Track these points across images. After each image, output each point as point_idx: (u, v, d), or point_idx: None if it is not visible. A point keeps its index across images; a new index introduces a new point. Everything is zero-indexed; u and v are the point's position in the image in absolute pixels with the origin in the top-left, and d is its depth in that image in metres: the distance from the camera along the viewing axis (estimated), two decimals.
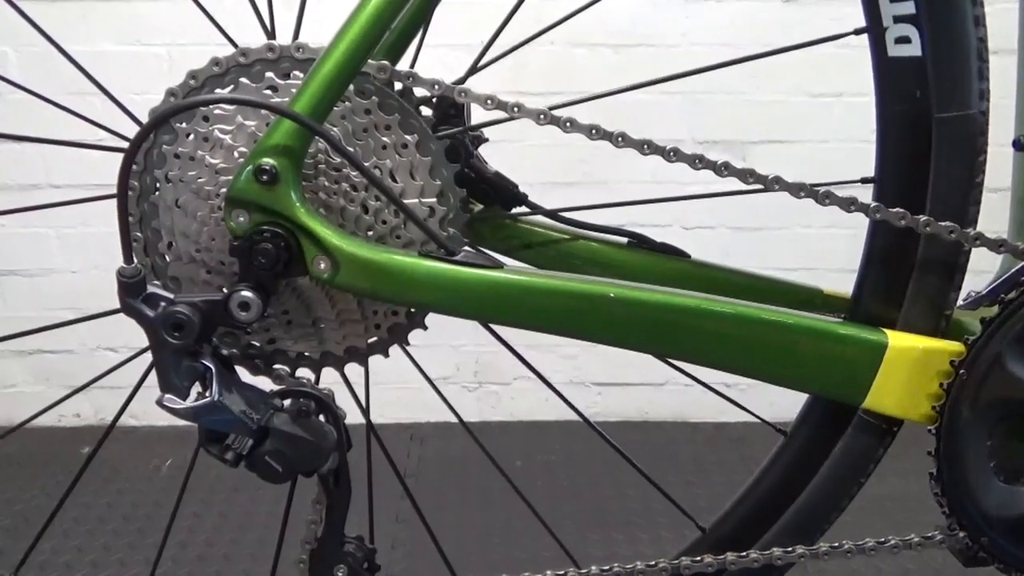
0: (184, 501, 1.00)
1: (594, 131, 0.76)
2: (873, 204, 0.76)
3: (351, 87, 0.76)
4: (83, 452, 1.99)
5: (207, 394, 0.74)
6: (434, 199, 0.80)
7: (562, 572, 0.87)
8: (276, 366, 0.85)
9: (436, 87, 0.76)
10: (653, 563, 0.85)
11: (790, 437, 0.90)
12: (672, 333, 0.77)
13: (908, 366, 0.77)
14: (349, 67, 0.73)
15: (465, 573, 1.02)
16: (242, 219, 0.74)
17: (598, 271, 0.91)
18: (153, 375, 0.75)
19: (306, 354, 0.86)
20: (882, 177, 0.79)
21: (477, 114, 0.83)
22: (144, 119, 0.74)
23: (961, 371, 0.76)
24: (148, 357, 0.75)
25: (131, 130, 0.74)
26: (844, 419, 0.84)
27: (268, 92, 0.78)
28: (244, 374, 0.81)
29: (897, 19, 0.73)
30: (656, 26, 1.93)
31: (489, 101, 0.76)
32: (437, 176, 0.79)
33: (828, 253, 1.95)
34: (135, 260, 0.74)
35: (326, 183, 0.78)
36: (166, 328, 0.72)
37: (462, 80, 0.81)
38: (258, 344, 0.85)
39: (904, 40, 0.73)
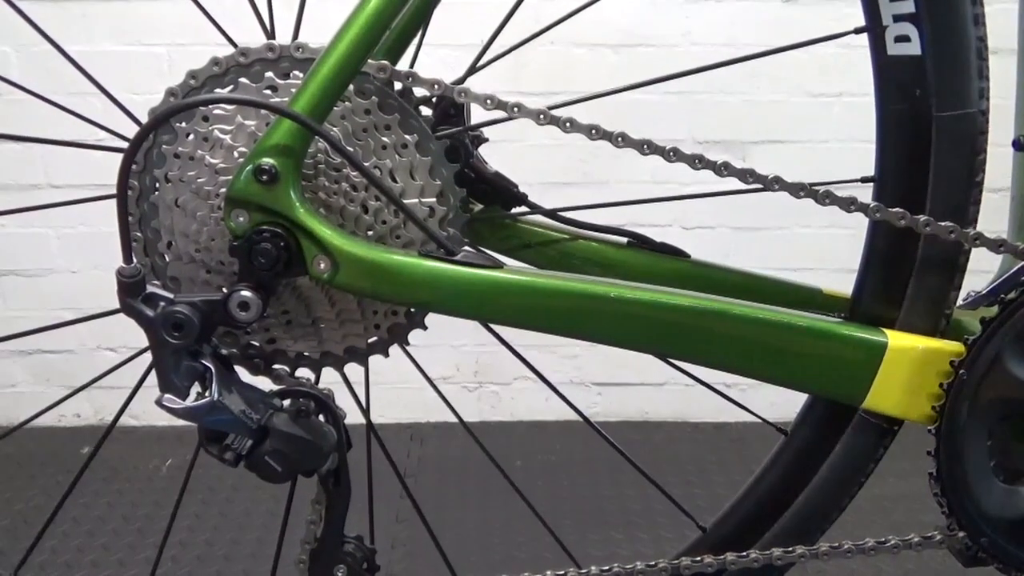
0: (184, 501, 1.00)
1: (594, 131, 0.76)
2: (873, 204, 0.76)
3: (351, 87, 0.76)
4: (83, 452, 1.99)
5: (207, 394, 0.74)
6: (434, 199, 0.80)
7: (562, 572, 0.87)
8: (276, 366, 0.85)
9: (436, 87, 0.76)
10: (653, 563, 0.85)
11: (790, 437, 0.90)
12: (672, 333, 0.77)
13: (908, 366, 0.77)
14: (349, 67, 0.73)
15: (465, 573, 1.02)
16: (242, 219, 0.74)
17: (598, 271, 0.91)
18: (153, 375, 0.75)
19: (306, 354, 0.86)
20: (882, 176, 0.79)
21: (477, 114, 0.83)
22: (144, 119, 0.74)
23: (961, 371, 0.76)
24: (148, 357, 0.75)
25: (131, 130, 0.74)
26: (844, 419, 0.84)
27: (268, 92, 0.78)
28: (244, 374, 0.81)
29: (897, 18, 0.73)
30: (656, 26, 1.93)
31: (489, 101, 0.76)
32: (437, 176, 0.79)
33: (828, 253, 1.95)
34: (135, 260, 0.74)
35: (326, 183, 0.78)
36: (166, 328, 0.72)
37: (462, 80, 0.81)
38: (258, 344, 0.85)
39: (904, 39, 0.73)
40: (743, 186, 0.77)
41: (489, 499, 1.79)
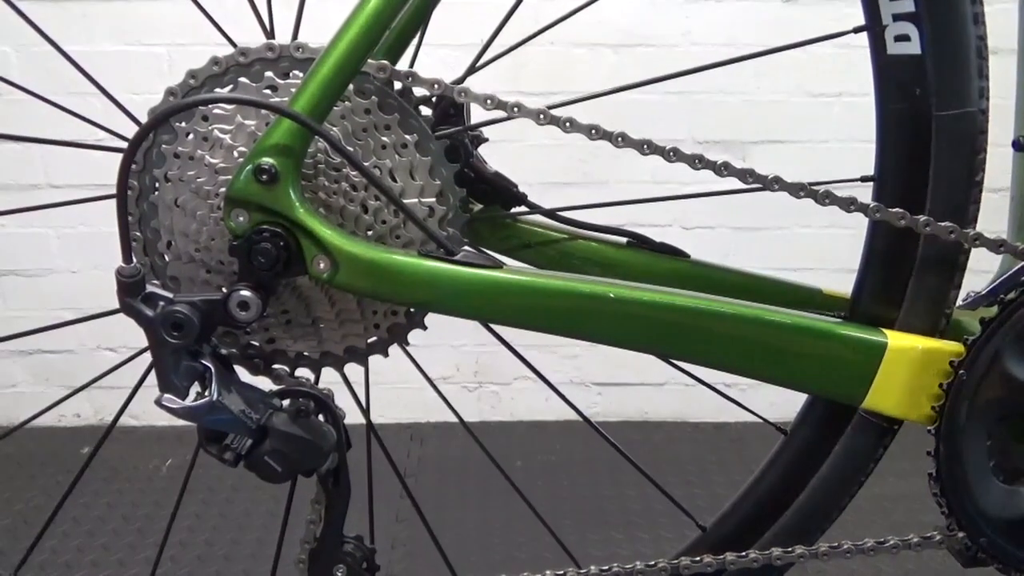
0: (184, 501, 1.00)
1: (594, 131, 0.76)
2: (873, 204, 0.76)
3: (351, 87, 0.76)
4: (83, 452, 1.99)
5: (206, 394, 0.74)
6: (434, 199, 0.80)
7: (562, 572, 0.87)
8: (275, 366, 0.85)
9: (436, 87, 0.76)
10: (653, 563, 0.85)
11: (790, 437, 0.90)
12: (672, 333, 0.77)
13: (907, 366, 0.77)
14: (349, 67, 0.73)
15: (465, 573, 1.02)
16: (241, 219, 0.74)
17: (598, 271, 0.91)
18: (153, 375, 0.75)
19: (305, 354, 0.86)
20: (882, 176, 0.79)
21: (477, 114, 0.83)
22: (143, 119, 0.74)
23: (961, 371, 0.76)
24: (148, 357, 0.75)
25: (130, 130, 0.74)
26: (844, 419, 0.84)
27: (267, 92, 0.77)
28: (243, 374, 0.81)
29: (896, 17, 0.73)
30: (656, 26, 1.93)
31: (489, 101, 0.76)
32: (437, 176, 0.79)
33: (828, 253, 1.95)
34: (134, 260, 0.74)
35: (326, 183, 0.78)
36: (165, 328, 0.72)
37: (461, 80, 0.81)
38: (257, 344, 0.85)
39: (904, 38, 0.73)
40: (743, 186, 0.77)
41: (489, 499, 1.79)
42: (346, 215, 0.79)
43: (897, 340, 0.77)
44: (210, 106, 0.77)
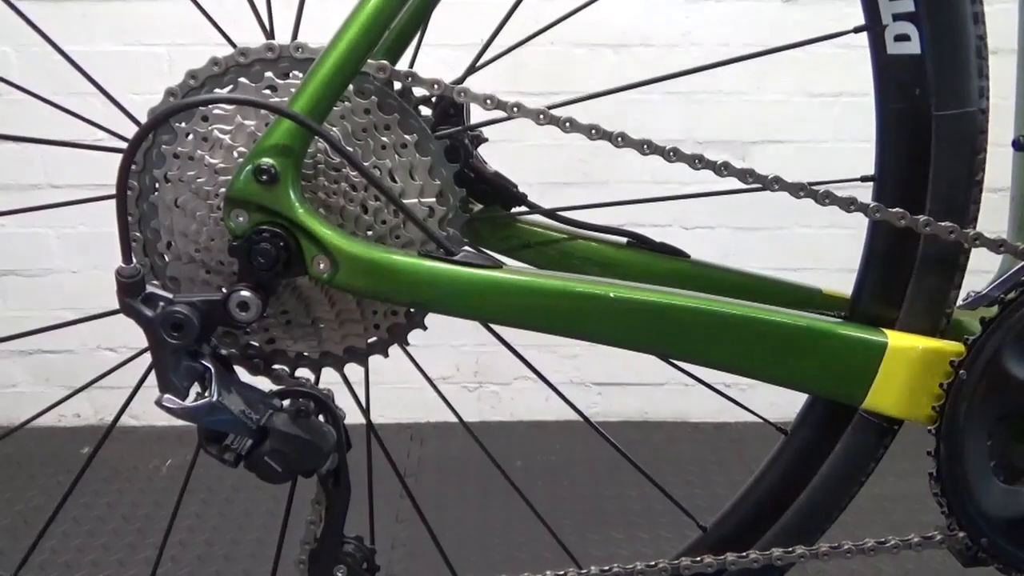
0: (184, 501, 1.00)
1: (594, 131, 0.76)
2: (873, 204, 0.76)
3: (350, 87, 0.76)
4: (83, 452, 1.99)
5: (206, 394, 0.74)
6: (433, 199, 0.80)
7: (562, 572, 0.87)
8: (275, 366, 0.85)
9: (436, 87, 0.76)
10: (653, 563, 0.85)
11: (790, 437, 0.90)
12: (672, 333, 0.77)
13: (908, 366, 0.77)
14: (348, 67, 0.73)
15: (465, 573, 1.02)
16: (241, 219, 0.74)
17: (598, 271, 0.91)
18: (153, 375, 0.75)
19: (305, 354, 0.86)
20: (882, 176, 0.79)
21: (477, 114, 0.83)
22: (143, 119, 0.74)
23: (961, 371, 0.76)
24: (148, 357, 0.75)
25: (130, 130, 0.74)
26: (844, 419, 0.84)
27: (267, 92, 0.77)
28: (243, 374, 0.81)
29: (896, 17, 0.73)
30: (656, 26, 1.93)
31: (488, 101, 0.76)
32: (436, 176, 0.79)
33: (828, 253, 1.95)
34: (134, 260, 0.74)
35: (325, 183, 0.78)
36: (165, 328, 0.72)
37: (461, 80, 0.81)
38: (257, 344, 0.85)
39: (903, 38, 0.73)
40: (743, 186, 0.77)
41: (489, 499, 1.79)
42: (346, 215, 0.79)
43: (897, 340, 0.77)
44: (210, 106, 0.77)
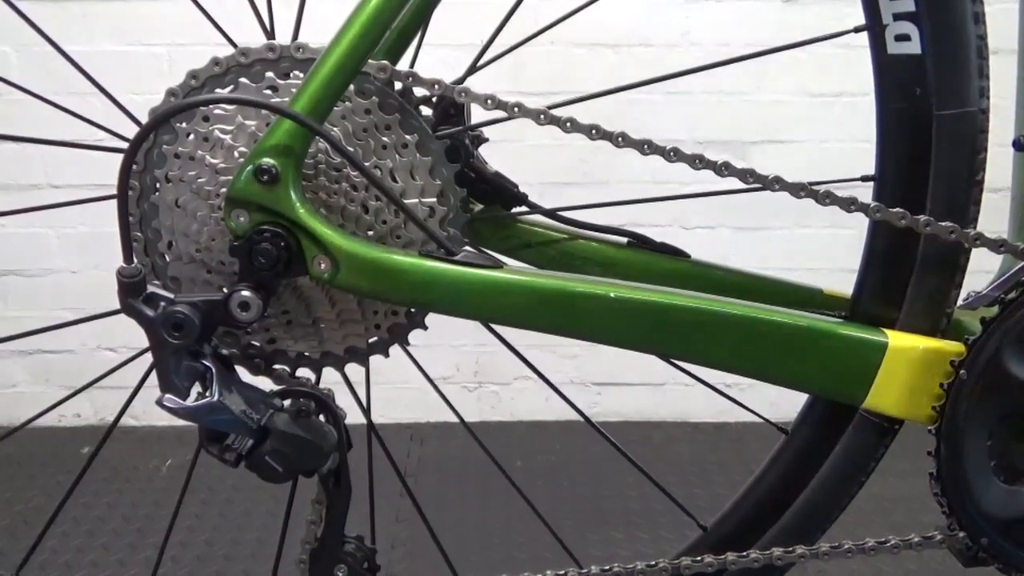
0: (184, 501, 1.00)
1: (594, 131, 0.76)
2: (873, 204, 0.76)
3: (351, 87, 0.76)
4: (83, 452, 1.99)
5: (207, 394, 0.74)
6: (434, 199, 0.80)
7: (562, 572, 0.87)
8: (276, 366, 0.85)
9: (436, 87, 0.76)
10: (653, 563, 0.85)
11: (791, 436, 0.90)
12: (672, 333, 0.77)
13: (908, 366, 0.77)
14: (349, 67, 0.73)
15: (465, 573, 1.02)
16: (242, 219, 0.74)
17: (598, 271, 0.91)
18: (153, 375, 0.75)
19: (306, 354, 0.86)
20: (882, 175, 0.79)
21: (477, 114, 0.83)
22: (144, 119, 0.74)
23: (961, 371, 0.76)
24: (148, 357, 0.75)
25: (131, 130, 0.74)
26: (845, 418, 0.84)
27: (268, 92, 0.78)
28: (244, 374, 0.81)
29: (897, 16, 0.73)
30: (656, 26, 1.93)
31: (489, 101, 0.76)
32: (437, 176, 0.79)
33: (828, 253, 1.95)
34: (135, 260, 0.74)
35: (326, 183, 0.78)
36: (166, 328, 0.72)
37: (462, 80, 0.81)
38: (258, 344, 0.85)
39: (904, 38, 0.73)
40: (743, 186, 0.77)
41: (489, 499, 1.79)
42: (347, 215, 0.79)
43: (898, 340, 0.77)
44: (211, 106, 0.77)
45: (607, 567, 0.85)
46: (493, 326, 0.84)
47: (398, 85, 0.79)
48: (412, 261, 0.75)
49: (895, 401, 0.78)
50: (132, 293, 0.72)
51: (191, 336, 0.73)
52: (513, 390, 2.16)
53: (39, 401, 1.73)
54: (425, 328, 0.85)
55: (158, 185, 0.79)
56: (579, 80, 1.92)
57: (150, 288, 0.73)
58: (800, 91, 1.97)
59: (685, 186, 1.02)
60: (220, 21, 0.90)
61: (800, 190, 0.76)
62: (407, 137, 0.78)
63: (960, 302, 0.80)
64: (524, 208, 0.92)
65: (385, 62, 0.76)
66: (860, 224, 0.79)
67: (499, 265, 0.76)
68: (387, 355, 0.86)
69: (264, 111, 0.76)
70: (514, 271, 0.77)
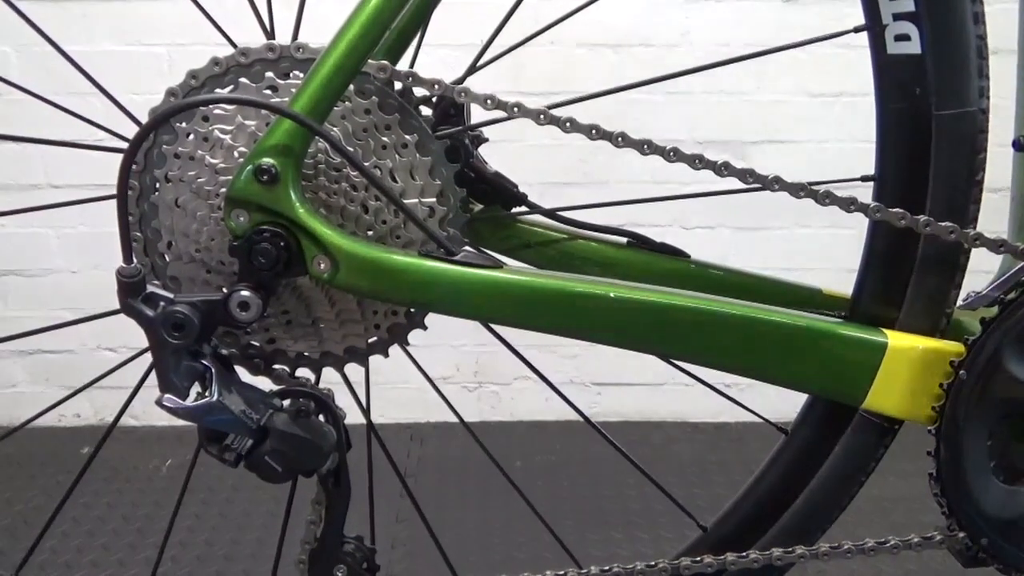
0: (184, 501, 1.00)
1: (594, 131, 0.76)
2: (873, 204, 0.76)
3: (351, 87, 0.76)
4: (83, 452, 1.99)
5: (207, 394, 0.74)
6: (434, 199, 0.80)
7: (562, 572, 0.87)
8: (276, 366, 0.85)
9: (436, 87, 0.76)
10: (653, 563, 0.85)
11: (790, 437, 0.90)
12: (672, 333, 0.77)
13: (908, 366, 0.77)
14: (349, 67, 0.73)
15: (465, 573, 1.02)
16: (242, 219, 0.74)
17: (598, 271, 0.91)
18: (153, 375, 0.75)
19: (306, 354, 0.86)
20: (882, 175, 0.79)
21: (477, 114, 0.83)
22: (144, 119, 0.74)
23: (961, 371, 0.76)
24: (148, 357, 0.75)
25: (131, 130, 0.74)
26: (844, 418, 0.84)
27: (268, 92, 0.78)
28: (244, 374, 0.81)
29: (897, 16, 0.73)
30: (656, 26, 1.93)
31: (489, 101, 0.76)
32: (437, 176, 0.79)
33: (828, 253, 1.95)
34: (135, 260, 0.74)
35: (326, 183, 0.78)
36: (166, 328, 0.72)
37: (462, 80, 0.81)
38: (258, 344, 0.85)
39: (904, 38, 0.73)
40: (743, 186, 0.77)
41: (489, 499, 1.79)
42: (346, 215, 0.79)
43: (897, 340, 0.77)
44: (211, 106, 0.77)
45: (607, 567, 0.85)
46: (493, 326, 0.84)
47: (398, 85, 0.79)
48: (412, 261, 0.75)
49: (895, 401, 0.78)
50: (132, 293, 0.72)
51: (191, 336, 0.73)
52: (513, 390, 2.16)
53: (39, 401, 1.73)
54: (425, 328, 0.85)
55: (158, 185, 0.79)
56: (579, 80, 1.92)
57: (150, 288, 0.73)
58: (800, 91, 1.97)
59: (685, 186, 1.02)
60: (220, 21, 0.90)
61: (800, 190, 0.76)
62: (407, 137, 0.78)
63: (960, 302, 0.80)
64: (524, 208, 0.92)
65: (385, 62, 0.76)
66: (860, 224, 0.79)
67: (499, 265, 0.76)
68: (387, 355, 0.86)
69: (264, 111, 0.76)
70: (514, 271, 0.77)
